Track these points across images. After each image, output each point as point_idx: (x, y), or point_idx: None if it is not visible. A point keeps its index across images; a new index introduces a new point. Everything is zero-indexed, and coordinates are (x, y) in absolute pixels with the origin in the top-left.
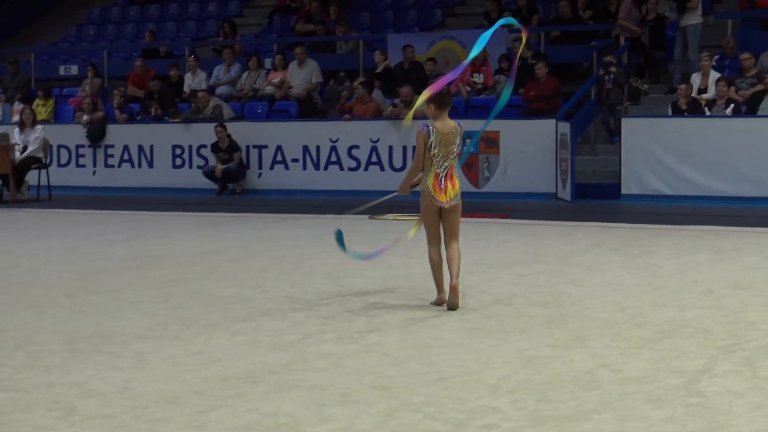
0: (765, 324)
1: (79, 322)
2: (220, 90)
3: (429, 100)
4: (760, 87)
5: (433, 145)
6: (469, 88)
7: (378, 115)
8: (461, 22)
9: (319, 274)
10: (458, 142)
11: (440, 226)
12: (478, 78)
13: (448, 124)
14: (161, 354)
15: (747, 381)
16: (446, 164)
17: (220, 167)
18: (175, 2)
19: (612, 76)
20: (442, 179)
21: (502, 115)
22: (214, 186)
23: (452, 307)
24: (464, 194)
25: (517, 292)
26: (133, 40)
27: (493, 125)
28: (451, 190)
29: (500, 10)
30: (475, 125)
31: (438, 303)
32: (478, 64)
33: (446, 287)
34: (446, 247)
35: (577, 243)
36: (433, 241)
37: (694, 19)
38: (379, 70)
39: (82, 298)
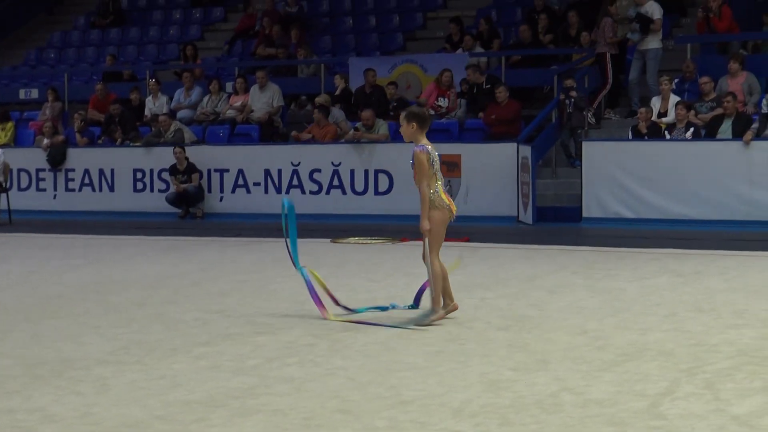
0: (726, 347)
1: (40, 346)
2: (181, 114)
3: (410, 119)
4: (719, 111)
5: (433, 163)
6: (433, 112)
7: (337, 136)
8: (422, 46)
9: (282, 298)
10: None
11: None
12: (443, 102)
13: (429, 143)
14: (123, 379)
15: (709, 404)
16: (442, 179)
17: (179, 187)
18: (135, 26)
19: (573, 100)
20: (446, 193)
21: (463, 139)
22: (176, 210)
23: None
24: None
25: (479, 315)
26: (93, 63)
27: (455, 149)
28: (453, 203)
29: (462, 33)
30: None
31: (451, 311)
32: (443, 88)
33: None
34: (431, 261)
35: (538, 266)
36: (438, 254)
37: (654, 43)
38: (337, 92)
39: (43, 322)
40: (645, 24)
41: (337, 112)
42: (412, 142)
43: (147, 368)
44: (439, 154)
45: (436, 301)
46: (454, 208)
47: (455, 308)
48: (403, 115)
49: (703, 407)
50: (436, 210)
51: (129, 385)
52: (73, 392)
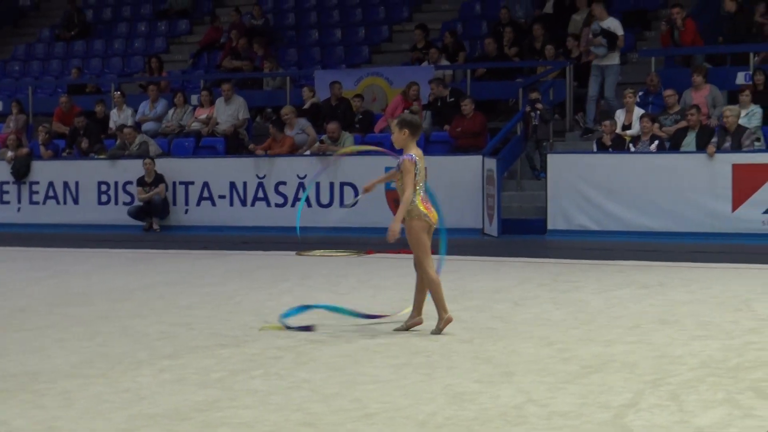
0: (690, 358)
1: (4, 360)
2: (146, 126)
3: (402, 126)
4: (683, 123)
5: (418, 172)
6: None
7: (295, 148)
8: (388, 58)
9: (246, 311)
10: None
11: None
12: None
13: (418, 151)
14: (87, 392)
15: (673, 415)
16: (424, 188)
17: (145, 196)
18: (100, 38)
19: (538, 112)
20: (425, 202)
21: (429, 151)
22: (140, 223)
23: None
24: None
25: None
26: (58, 76)
27: None
28: (434, 210)
29: (428, 44)
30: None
31: (447, 322)
32: (410, 100)
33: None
34: (417, 269)
35: (504, 278)
36: (430, 262)
37: (615, 59)
38: (306, 106)
39: (7, 335)
40: (611, 40)
41: (303, 121)
42: (402, 149)
43: (111, 381)
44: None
45: (441, 309)
46: (433, 216)
47: (450, 320)
48: (395, 121)
49: (667, 419)
50: (415, 219)
51: (93, 398)
52: (37, 406)
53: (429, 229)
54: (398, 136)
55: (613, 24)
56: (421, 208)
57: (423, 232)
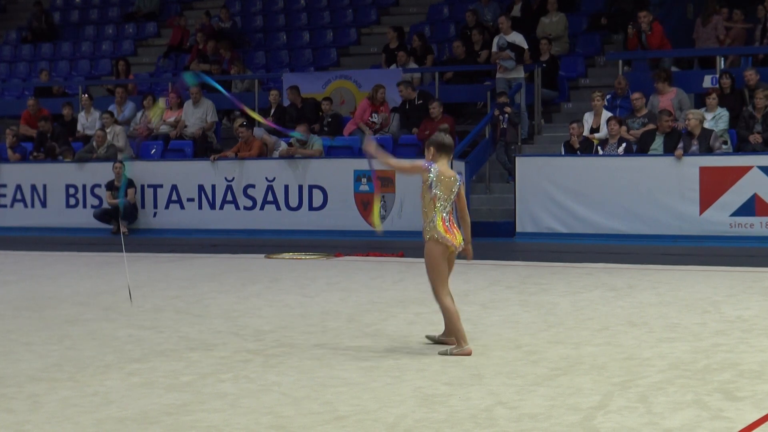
0: (659, 360)
1: None
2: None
3: (429, 145)
4: (650, 126)
5: (434, 185)
6: (368, 129)
7: (263, 149)
8: (356, 61)
9: (215, 314)
10: (456, 190)
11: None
12: (377, 118)
13: (449, 171)
14: (55, 396)
15: (641, 417)
16: (448, 208)
17: (113, 201)
18: (68, 41)
19: (507, 115)
20: (448, 223)
21: (397, 154)
22: (106, 226)
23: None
24: (361, 233)
25: (413, 330)
26: (25, 78)
27: None
28: (459, 235)
29: (401, 41)
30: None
31: (462, 354)
32: (377, 104)
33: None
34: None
35: (472, 281)
36: (446, 290)
37: (521, 72)
38: (273, 111)
39: None
40: (519, 53)
41: (259, 131)
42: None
43: (79, 385)
44: (457, 186)
45: (460, 339)
46: (456, 240)
47: (469, 352)
48: (428, 140)
49: (636, 420)
50: (433, 242)
51: (61, 402)
52: (5, 410)
53: (449, 253)
54: (426, 154)
55: (517, 38)
56: (441, 230)
57: (441, 257)
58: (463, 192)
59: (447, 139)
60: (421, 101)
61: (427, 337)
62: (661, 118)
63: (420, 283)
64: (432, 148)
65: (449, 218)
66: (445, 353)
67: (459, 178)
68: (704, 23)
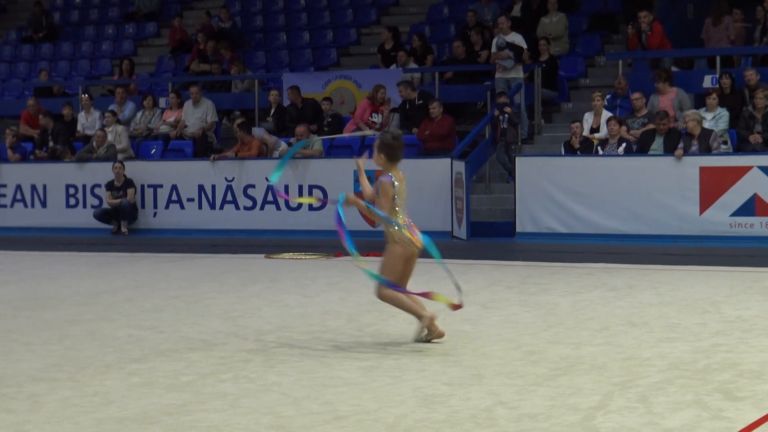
0: (659, 360)
1: None
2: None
3: (380, 150)
4: (650, 126)
5: (397, 195)
6: (367, 128)
7: (262, 149)
8: (356, 61)
9: (215, 314)
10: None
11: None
12: (377, 118)
13: (400, 174)
14: (55, 396)
15: (641, 417)
16: (406, 211)
17: (113, 201)
18: (68, 41)
19: (507, 115)
20: (410, 226)
21: None
22: (106, 225)
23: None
24: (361, 233)
25: (413, 330)
26: (25, 78)
27: None
28: (419, 235)
29: (396, 47)
30: (370, 164)
31: (431, 326)
32: (377, 104)
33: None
34: None
35: (472, 281)
36: (391, 288)
37: (520, 72)
38: (273, 111)
39: None
40: (518, 53)
41: (258, 132)
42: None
43: (79, 385)
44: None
45: (419, 314)
46: (418, 242)
47: (434, 318)
48: (376, 143)
49: (636, 420)
50: (397, 244)
51: (61, 402)
52: (5, 410)
53: (409, 256)
54: (377, 158)
55: (516, 38)
56: (407, 233)
57: (401, 260)
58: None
59: (396, 143)
60: (421, 101)
61: (415, 341)
62: (657, 120)
63: (420, 283)
64: (383, 156)
65: (409, 222)
66: (421, 340)
67: (404, 176)
68: (715, 23)
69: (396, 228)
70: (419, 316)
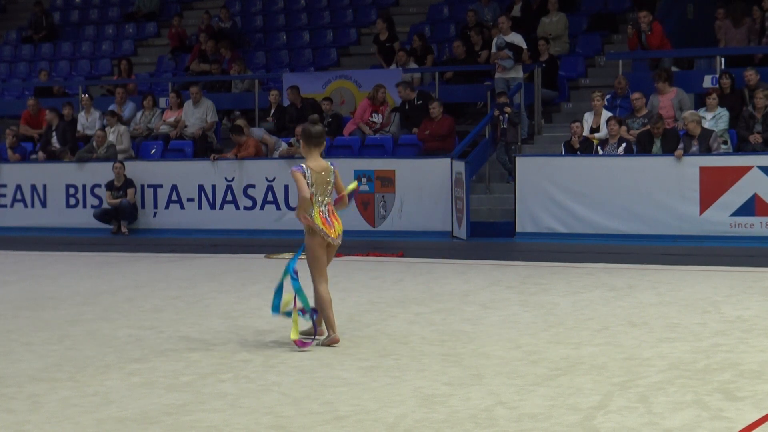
0: (659, 360)
1: None
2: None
3: (299, 138)
4: (648, 127)
5: (309, 184)
6: (368, 128)
7: (259, 148)
8: (356, 61)
9: (215, 314)
10: (332, 180)
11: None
12: (377, 118)
13: (321, 163)
14: (55, 396)
15: (641, 417)
16: (325, 202)
17: (113, 201)
18: (68, 41)
19: (507, 115)
20: (327, 216)
21: (397, 154)
22: (106, 225)
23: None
24: (360, 233)
25: (413, 330)
26: (25, 78)
27: (389, 164)
28: (338, 226)
29: (392, 38)
30: (371, 164)
31: (330, 343)
32: (377, 104)
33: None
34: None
35: (472, 281)
36: (323, 279)
37: (519, 72)
38: (273, 111)
39: None
40: (518, 53)
41: (258, 131)
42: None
43: (79, 385)
44: (362, 171)
45: (328, 327)
46: (332, 233)
47: (336, 341)
48: (297, 130)
49: (636, 420)
50: (313, 236)
51: (61, 402)
52: (5, 410)
53: (327, 245)
54: (297, 147)
55: (516, 38)
56: (319, 223)
57: (319, 248)
58: (339, 179)
59: (314, 129)
60: (420, 101)
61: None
62: (652, 124)
63: (420, 283)
64: (302, 141)
65: (328, 210)
66: (318, 343)
67: (332, 167)
68: (736, 25)
69: (311, 218)
70: (328, 330)
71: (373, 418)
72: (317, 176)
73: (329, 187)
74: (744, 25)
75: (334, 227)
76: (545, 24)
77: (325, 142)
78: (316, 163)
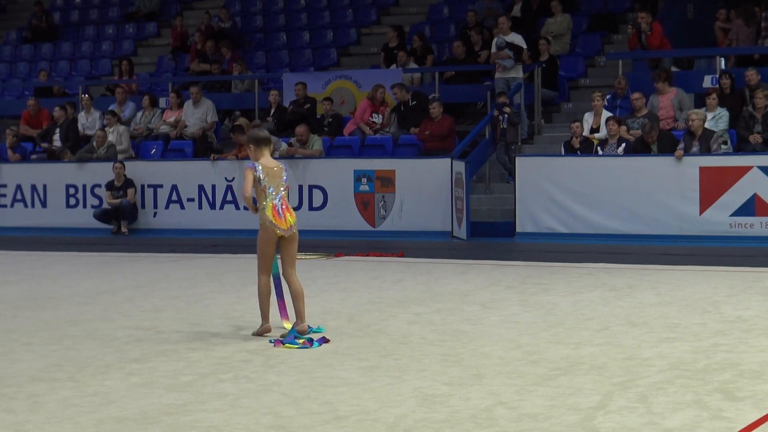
0: (659, 360)
1: None
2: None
3: (248, 143)
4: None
5: (262, 180)
6: (368, 128)
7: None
8: (356, 61)
9: (215, 314)
10: (284, 176)
11: (275, 256)
12: (377, 118)
13: (271, 162)
14: (55, 396)
15: (641, 417)
16: (279, 196)
17: (113, 202)
18: (68, 41)
19: (506, 115)
20: (280, 209)
21: (397, 154)
22: (106, 225)
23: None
24: (360, 233)
25: (413, 330)
26: (25, 78)
27: (389, 164)
28: (290, 218)
29: (400, 45)
30: (371, 164)
31: (262, 332)
32: (377, 104)
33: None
34: (287, 278)
35: (472, 281)
36: (266, 271)
37: (519, 72)
38: (273, 111)
39: None
40: (518, 53)
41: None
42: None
43: (79, 385)
44: (361, 171)
45: (262, 317)
46: (283, 225)
47: (268, 330)
48: (245, 138)
49: (636, 420)
50: (263, 229)
51: (61, 402)
52: (5, 410)
53: (281, 238)
54: (249, 153)
55: (516, 38)
56: (270, 215)
57: (268, 242)
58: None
59: (261, 133)
60: (415, 102)
61: (253, 334)
62: (644, 133)
63: (421, 283)
64: (251, 146)
65: (281, 203)
66: (253, 333)
67: (284, 166)
68: (749, 24)
69: (263, 211)
70: (262, 320)
71: (373, 418)
72: (269, 171)
73: (282, 182)
74: (755, 25)
75: (285, 219)
76: (549, 24)
77: (272, 143)
78: (267, 161)
